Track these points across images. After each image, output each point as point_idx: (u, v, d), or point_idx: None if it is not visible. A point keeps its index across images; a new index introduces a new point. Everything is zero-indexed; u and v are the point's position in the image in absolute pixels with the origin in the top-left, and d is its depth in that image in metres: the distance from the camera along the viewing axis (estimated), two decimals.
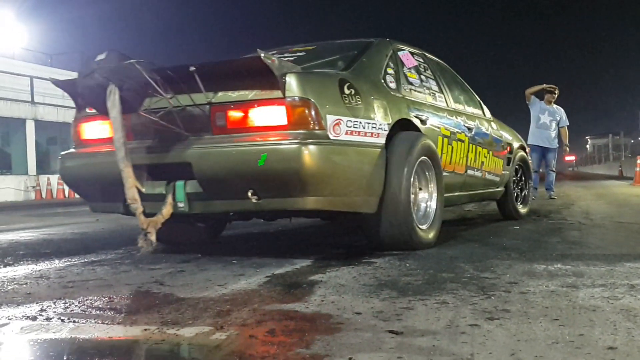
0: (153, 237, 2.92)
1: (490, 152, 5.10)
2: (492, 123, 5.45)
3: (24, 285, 2.78)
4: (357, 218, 3.51)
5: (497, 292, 2.33)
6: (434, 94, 4.42)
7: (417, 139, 3.61)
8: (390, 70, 3.88)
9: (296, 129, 2.90)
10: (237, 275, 2.85)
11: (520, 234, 4.45)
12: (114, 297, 2.46)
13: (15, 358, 1.70)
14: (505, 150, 5.52)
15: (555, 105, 9.18)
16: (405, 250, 3.44)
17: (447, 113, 4.45)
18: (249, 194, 2.95)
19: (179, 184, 3.11)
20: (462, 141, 4.53)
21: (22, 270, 3.26)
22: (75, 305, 2.31)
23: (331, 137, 2.98)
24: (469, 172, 4.67)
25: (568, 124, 9.28)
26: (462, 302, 2.19)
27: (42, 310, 2.24)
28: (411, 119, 3.77)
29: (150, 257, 3.58)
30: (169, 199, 3.10)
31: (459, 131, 4.51)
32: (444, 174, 4.00)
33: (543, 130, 9.09)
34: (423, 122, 3.91)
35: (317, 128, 2.93)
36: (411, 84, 4.10)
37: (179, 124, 3.05)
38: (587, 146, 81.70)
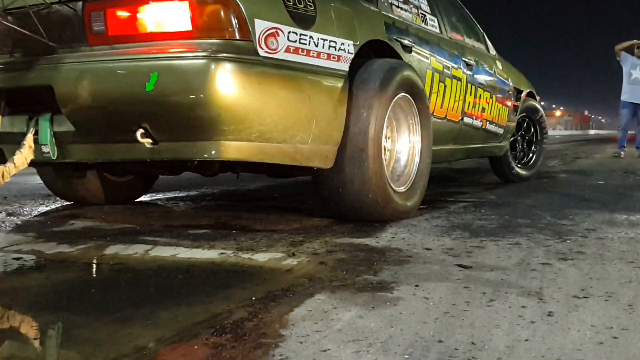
0: None
1: (494, 97, 4.10)
2: (497, 62, 4.41)
3: (111, 213, 2.95)
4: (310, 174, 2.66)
5: (574, 237, 2.29)
6: (424, 15, 3.41)
7: (396, 69, 2.67)
8: None
9: (205, 37, 1.99)
10: (311, 214, 2.92)
11: (604, 188, 4.30)
12: (194, 225, 2.57)
13: (100, 277, 1.83)
14: (512, 97, 4.50)
15: None
16: (373, 222, 2.60)
17: (440, 41, 3.46)
18: (138, 135, 2.05)
19: (44, 119, 2.20)
20: (459, 80, 3.56)
21: None
22: (156, 231, 2.44)
23: (262, 53, 2.06)
24: (466, 120, 3.70)
25: None
26: (536, 244, 2.16)
27: (124, 233, 2.38)
28: (389, 42, 2.82)
29: (228, 195, 3.70)
30: (29, 140, 2.22)
31: (456, 66, 3.54)
32: (433, 119, 3.12)
33: (636, 86, 8.65)
34: (406, 48, 2.97)
35: (238, 37, 2.01)
36: None
37: (40, 30, 2.13)
38: None
